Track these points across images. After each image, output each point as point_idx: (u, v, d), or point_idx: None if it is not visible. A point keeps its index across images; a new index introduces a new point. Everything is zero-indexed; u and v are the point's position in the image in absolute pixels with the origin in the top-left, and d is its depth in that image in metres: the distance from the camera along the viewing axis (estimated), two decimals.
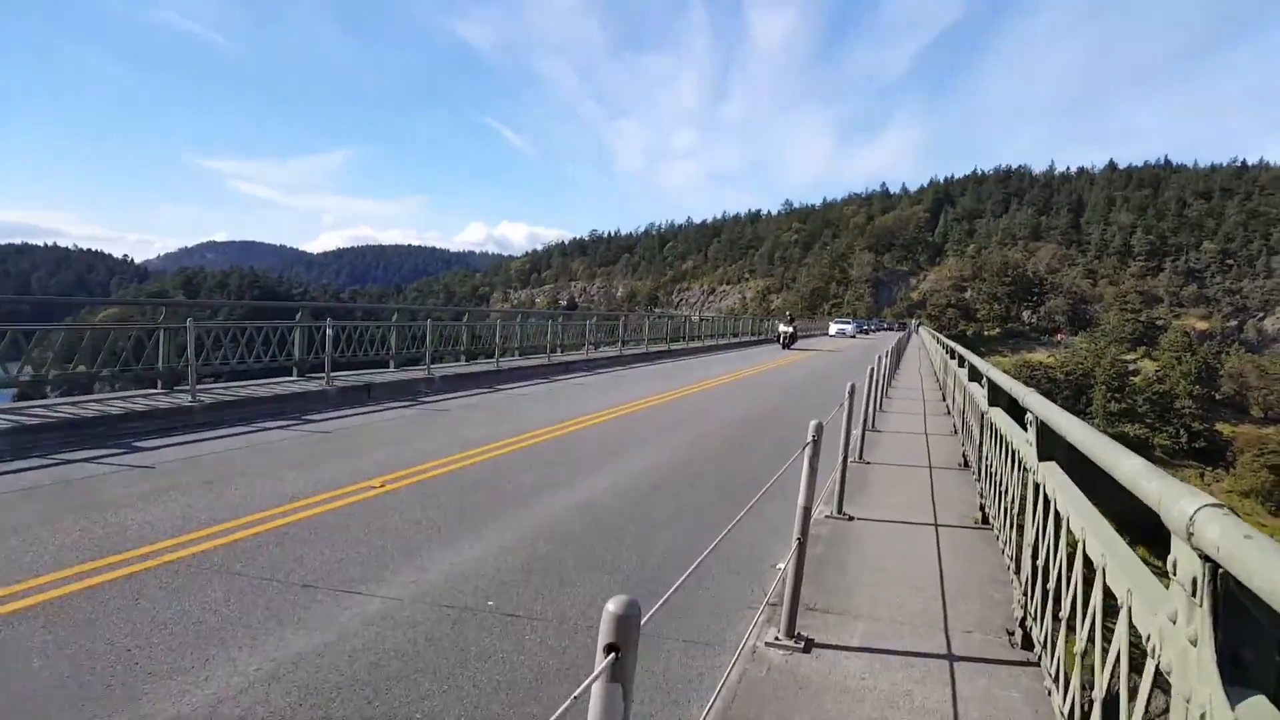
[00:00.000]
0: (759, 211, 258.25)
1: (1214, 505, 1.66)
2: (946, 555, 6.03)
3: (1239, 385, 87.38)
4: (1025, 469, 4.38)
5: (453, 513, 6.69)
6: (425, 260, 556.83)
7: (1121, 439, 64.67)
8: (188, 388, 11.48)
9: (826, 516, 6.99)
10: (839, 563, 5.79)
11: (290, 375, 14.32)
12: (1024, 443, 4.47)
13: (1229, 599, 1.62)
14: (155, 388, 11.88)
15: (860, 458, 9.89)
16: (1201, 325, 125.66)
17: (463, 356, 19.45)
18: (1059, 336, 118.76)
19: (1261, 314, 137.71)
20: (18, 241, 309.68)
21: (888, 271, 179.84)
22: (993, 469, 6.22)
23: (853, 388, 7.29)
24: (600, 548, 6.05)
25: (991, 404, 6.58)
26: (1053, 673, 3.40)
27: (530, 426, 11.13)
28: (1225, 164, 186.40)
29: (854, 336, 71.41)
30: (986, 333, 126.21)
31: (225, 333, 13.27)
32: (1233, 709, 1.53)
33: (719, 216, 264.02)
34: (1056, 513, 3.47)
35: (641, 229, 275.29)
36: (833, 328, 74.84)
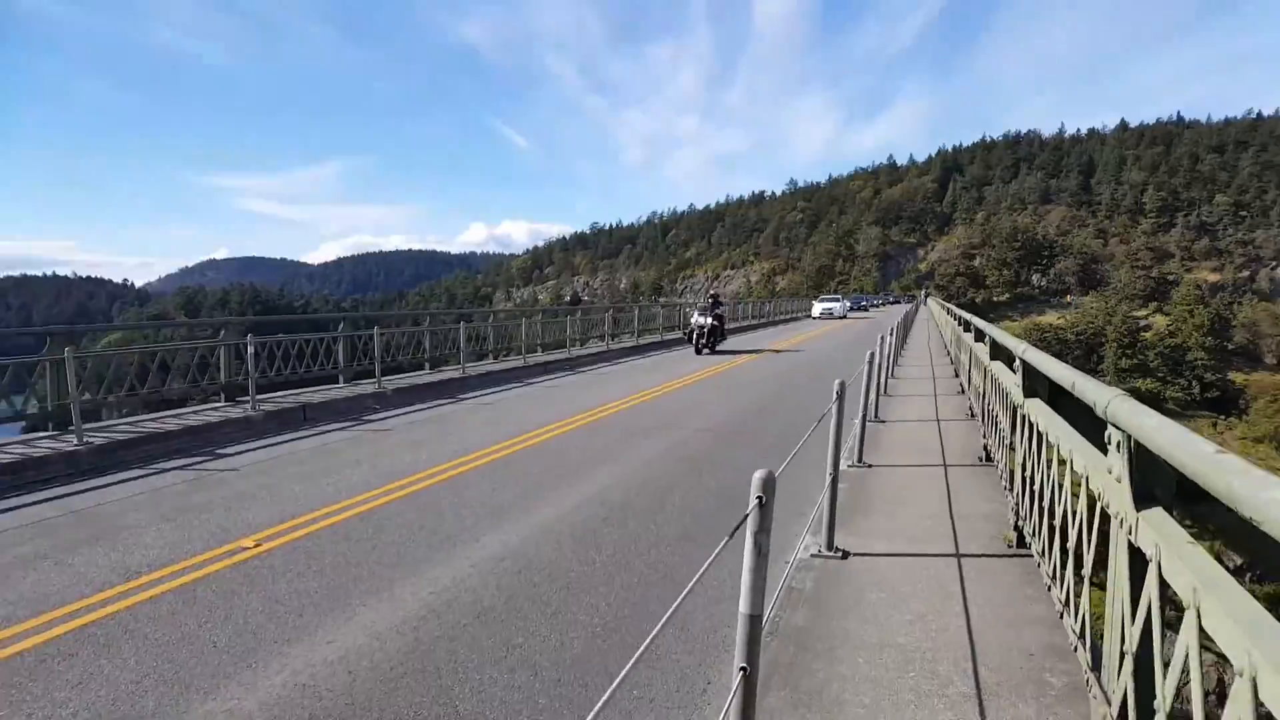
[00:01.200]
0: (763, 193, 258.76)
1: (1120, 395, 2.64)
2: (955, 487, 7.04)
3: (1252, 334, 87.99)
4: (1014, 405, 5.40)
5: (329, 582, 5.31)
6: (427, 264, 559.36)
7: (1133, 393, 65.70)
8: (248, 399, 12.56)
9: (849, 466, 8.00)
10: (864, 504, 6.79)
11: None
12: (1013, 384, 5.48)
13: (1141, 453, 2.58)
14: (220, 401, 12.99)
15: (876, 415, 10.86)
16: (1213, 278, 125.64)
17: (426, 364, 18.15)
18: (1067, 298, 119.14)
19: (1275, 263, 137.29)
20: (16, 274, 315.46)
21: (895, 245, 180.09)
22: (993, 411, 7.23)
23: (871, 355, 8.27)
24: (513, 626, 4.58)
25: (992, 358, 7.59)
26: (1038, 551, 4.39)
27: (475, 445, 9.86)
28: (1239, 117, 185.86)
29: (844, 316, 58.51)
30: (996, 299, 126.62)
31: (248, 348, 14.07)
32: (1137, 510, 2.50)
33: (722, 201, 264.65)
34: (1039, 434, 4.45)
35: (644, 219, 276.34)
36: (816, 307, 60.00)
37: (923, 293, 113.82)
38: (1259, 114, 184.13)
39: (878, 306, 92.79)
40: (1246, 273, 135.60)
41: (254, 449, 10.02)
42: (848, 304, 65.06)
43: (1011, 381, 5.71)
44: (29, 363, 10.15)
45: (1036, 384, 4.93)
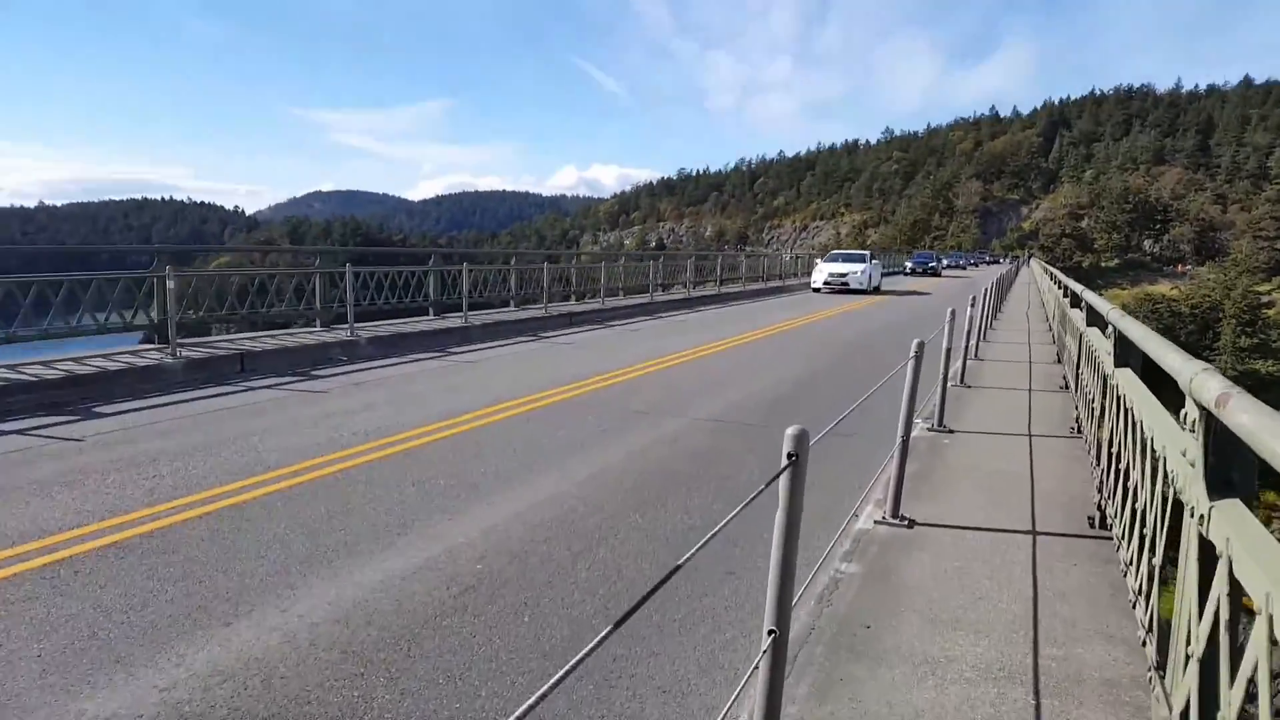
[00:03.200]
0: (856, 142, 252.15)
1: (1208, 369, 2.43)
2: (1039, 459, 6.78)
3: None
4: (1105, 374, 5.12)
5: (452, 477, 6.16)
6: (519, 204, 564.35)
7: (1252, 376, 62.21)
8: (346, 326, 13.56)
9: (929, 429, 7.78)
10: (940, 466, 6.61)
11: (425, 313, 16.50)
12: (1105, 352, 5.19)
13: (1222, 435, 2.39)
14: (316, 326, 13.88)
15: (962, 380, 10.53)
16: None
17: (511, 301, 19.25)
18: (1181, 268, 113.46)
19: None
20: (138, 197, 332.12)
21: (997, 201, 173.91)
22: (1085, 381, 6.91)
23: (953, 313, 7.95)
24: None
25: (1089, 325, 7.24)
26: (1118, 534, 4.19)
27: (515, 393, 9.57)
28: None
29: (876, 289, 33.91)
30: (1104, 264, 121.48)
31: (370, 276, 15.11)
32: (1210, 499, 2.32)
33: (813, 149, 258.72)
34: (1125, 407, 4.21)
35: (731, 166, 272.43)
36: (818, 275, 33.28)
37: (1025, 253, 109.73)
38: None
39: (968, 267, 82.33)
40: None
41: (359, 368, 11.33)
42: (877, 268, 35.23)
43: (1104, 349, 5.42)
44: (137, 278, 11.11)
45: (1129, 354, 4.67)
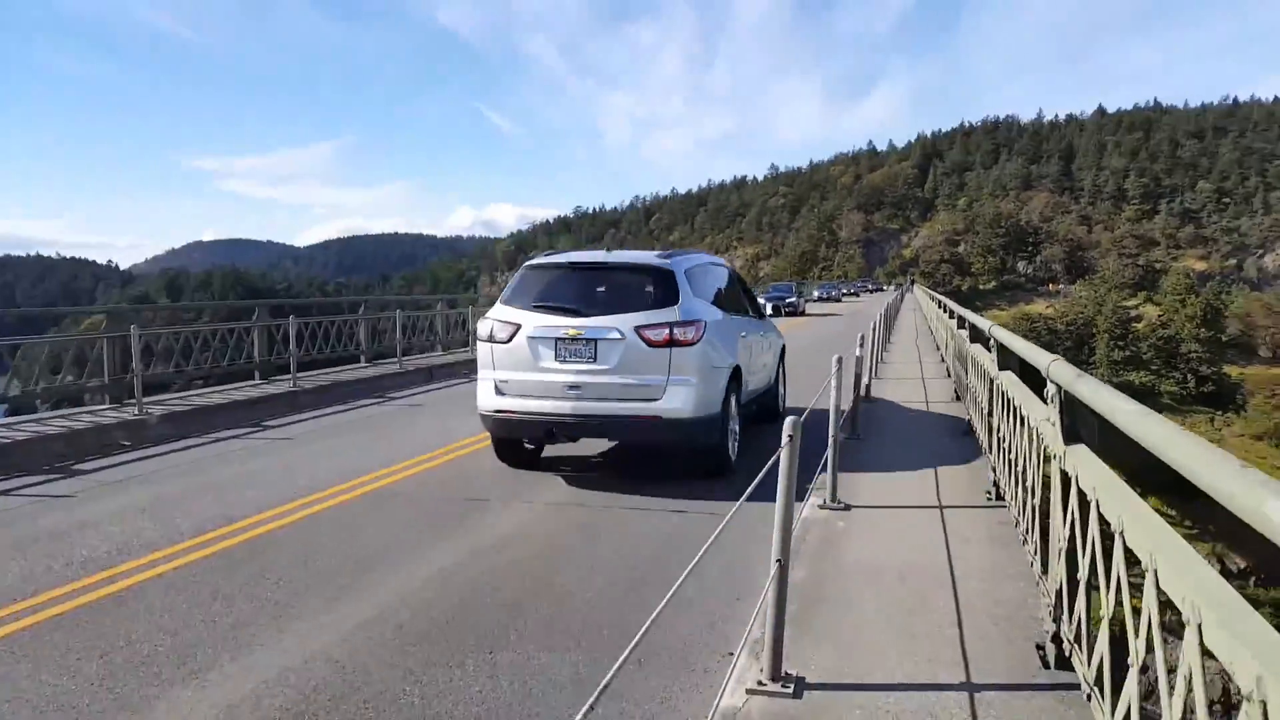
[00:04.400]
0: (745, 177, 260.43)
1: (1058, 359, 3.63)
2: (942, 456, 8.07)
3: (1246, 326, 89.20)
4: (991, 378, 6.46)
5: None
6: (413, 247, 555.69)
7: (1127, 387, 66.51)
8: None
9: (844, 438, 8.98)
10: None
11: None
12: (989, 360, 6.57)
13: (1070, 402, 3.57)
14: (254, 379, 13.93)
15: (867, 395, 11.88)
16: (1200, 266, 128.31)
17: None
18: (1053, 287, 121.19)
19: (1261, 251, 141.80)
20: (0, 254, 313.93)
21: (878, 230, 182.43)
22: (973, 387, 8.29)
23: (861, 337, 9.22)
24: None
25: (972, 341, 8.66)
26: (1010, 498, 5.44)
27: (328, 480, 7.83)
28: (1217, 103, 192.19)
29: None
30: (982, 286, 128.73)
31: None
32: (1065, 445, 3.49)
33: (704, 185, 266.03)
34: (1007, 399, 5.49)
35: (627, 202, 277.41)
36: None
37: (908, 279, 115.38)
38: (1235, 99, 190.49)
39: (844, 297, 78.81)
40: (1233, 261, 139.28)
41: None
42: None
43: (987, 359, 6.75)
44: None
45: (1009, 360, 5.96)
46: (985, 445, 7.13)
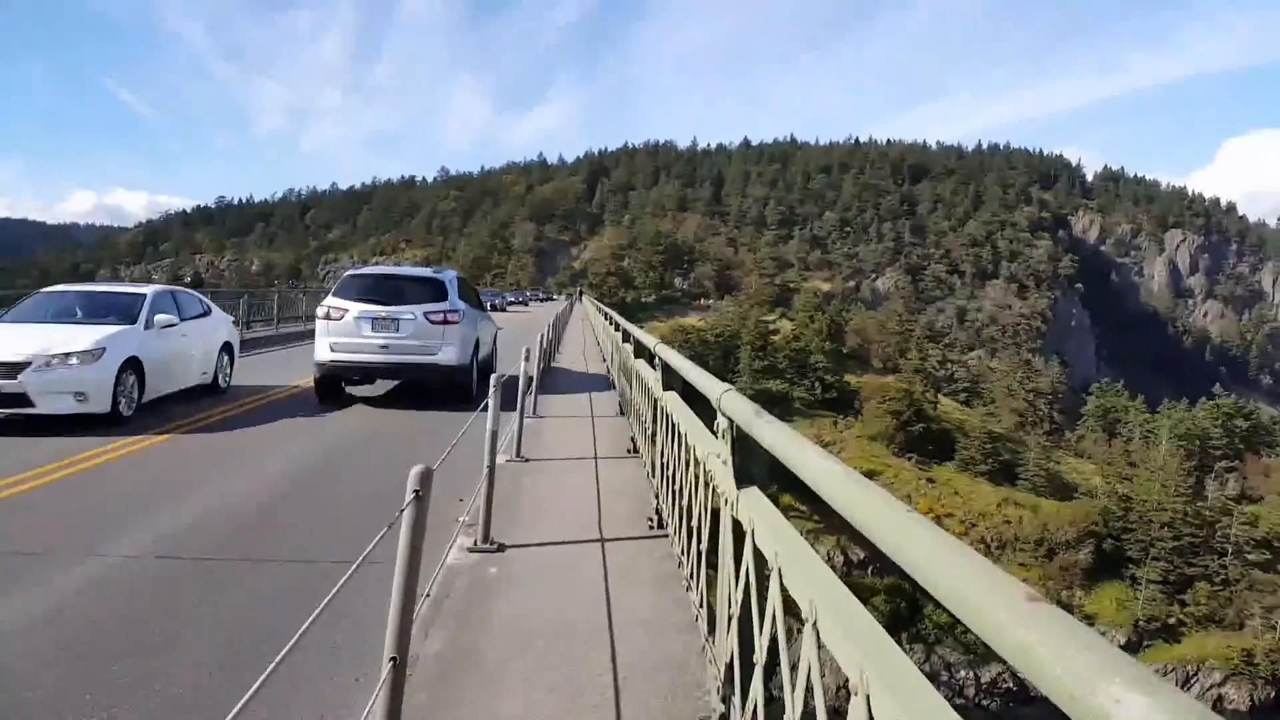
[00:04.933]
0: (414, 178, 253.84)
1: (730, 390, 3.24)
2: (605, 477, 7.74)
3: (862, 339, 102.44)
4: (655, 398, 6.16)
5: None
6: (17, 234, 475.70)
7: (765, 394, 73.59)
8: None
9: (508, 460, 8.41)
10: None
11: None
12: (653, 379, 6.25)
13: (740, 437, 3.19)
14: None
15: (534, 412, 11.44)
16: (826, 286, 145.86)
17: None
18: (705, 302, 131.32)
19: (875, 275, 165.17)
20: None
21: (550, 241, 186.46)
22: (638, 405, 8.07)
23: (528, 350, 8.72)
24: None
25: (636, 356, 8.46)
26: (674, 530, 5.10)
27: None
28: (841, 141, 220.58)
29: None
30: (644, 299, 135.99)
31: None
32: (738, 490, 3.10)
33: (369, 182, 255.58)
34: (673, 424, 5.16)
35: (279, 195, 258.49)
36: None
37: (578, 290, 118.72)
38: (857, 140, 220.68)
39: (520, 304, 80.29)
40: (853, 283, 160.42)
41: None
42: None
43: (652, 377, 6.47)
44: None
45: (673, 379, 5.69)
46: (648, 467, 6.88)
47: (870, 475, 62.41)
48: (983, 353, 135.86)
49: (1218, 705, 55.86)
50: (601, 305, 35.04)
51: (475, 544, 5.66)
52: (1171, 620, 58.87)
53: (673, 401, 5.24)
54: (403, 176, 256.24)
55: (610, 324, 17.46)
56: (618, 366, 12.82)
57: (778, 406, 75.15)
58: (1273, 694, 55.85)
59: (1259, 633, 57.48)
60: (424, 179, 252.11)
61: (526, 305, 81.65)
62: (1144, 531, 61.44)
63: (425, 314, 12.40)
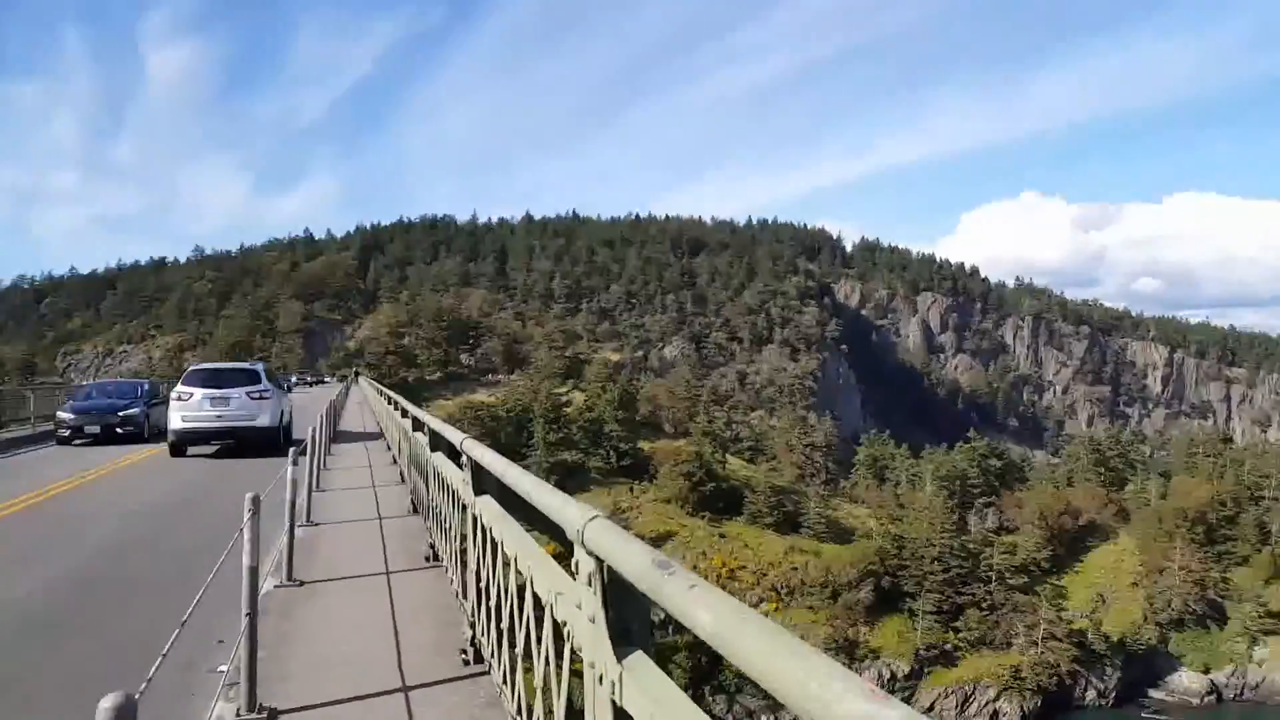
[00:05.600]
0: (165, 260, 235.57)
1: (598, 516, 2.33)
2: (401, 598, 6.55)
3: (654, 406, 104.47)
4: (464, 503, 5.11)
5: None
6: None
7: (561, 466, 73.21)
8: None
9: (277, 586, 7.02)
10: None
11: None
12: (460, 481, 5.20)
13: (616, 585, 2.28)
14: None
15: (309, 519, 9.97)
16: (615, 356, 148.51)
17: None
18: (494, 377, 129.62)
19: (662, 344, 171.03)
20: None
21: (319, 321, 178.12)
22: (439, 507, 6.93)
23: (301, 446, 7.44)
24: None
25: (433, 449, 7.33)
26: (501, 673, 4.07)
27: None
28: (623, 217, 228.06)
29: None
30: (429, 378, 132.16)
31: None
32: (619, 662, 2.19)
33: (113, 266, 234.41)
34: (493, 540, 4.16)
35: (7, 282, 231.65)
36: None
37: (353, 372, 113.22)
38: (638, 215, 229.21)
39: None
40: (641, 352, 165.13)
41: None
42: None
43: (458, 477, 5.43)
44: None
45: (486, 481, 4.70)
46: (457, 586, 5.81)
47: (666, 536, 64.05)
48: (764, 412, 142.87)
49: None
50: (382, 387, 33.04)
51: (239, 713, 4.37)
52: (948, 646, 63.45)
53: (490, 512, 4.24)
54: (151, 258, 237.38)
55: (396, 409, 15.94)
56: (407, 458, 11.49)
57: (574, 478, 74.93)
58: (1039, 703, 61.31)
59: (1024, 649, 62.85)
60: (176, 259, 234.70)
61: (289, 392, 75.55)
62: (917, 566, 66.16)
63: (246, 393, 18.89)
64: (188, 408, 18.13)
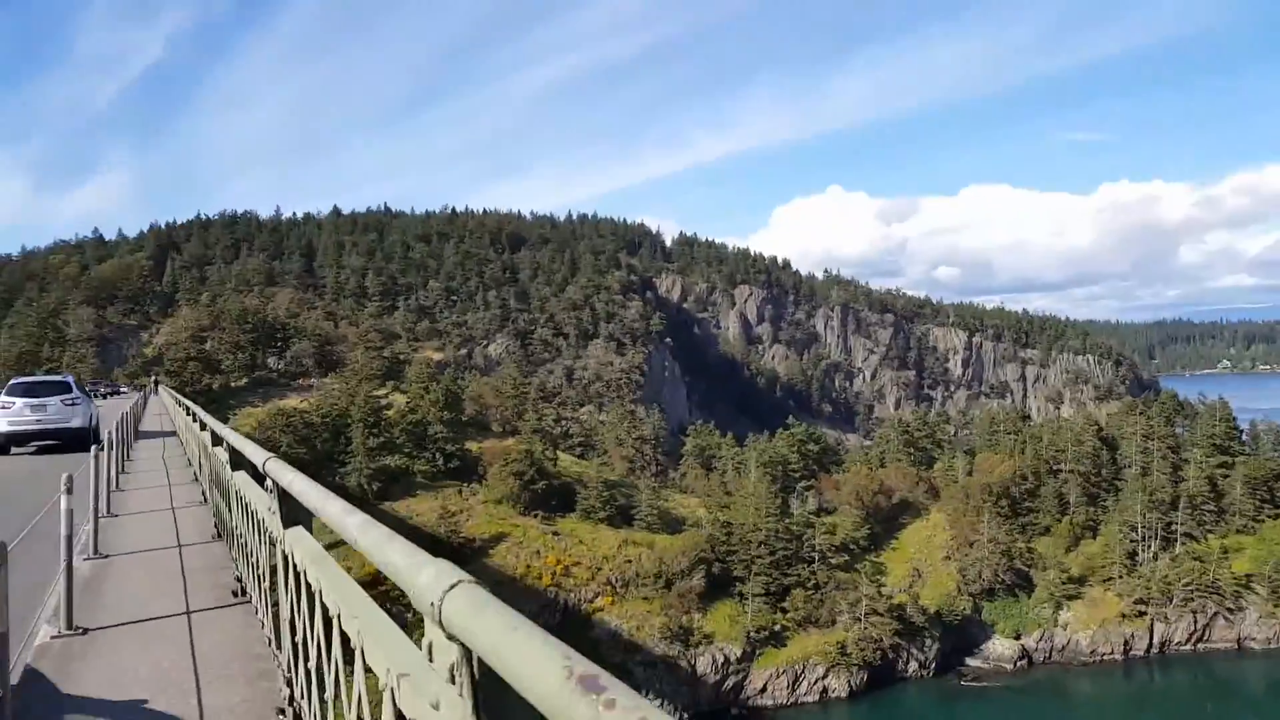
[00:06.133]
0: None
1: (470, 583, 1.59)
2: (204, 648, 5.54)
3: (480, 405, 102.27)
4: (272, 538, 4.19)
5: None
6: None
7: (384, 471, 70.13)
8: None
9: (55, 636, 5.85)
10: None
11: None
12: (267, 510, 4.28)
13: (494, 690, 1.58)
14: None
15: (96, 550, 8.61)
16: (438, 356, 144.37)
17: None
18: (305, 381, 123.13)
19: (486, 341, 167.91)
20: None
21: (114, 327, 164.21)
22: (243, 537, 5.92)
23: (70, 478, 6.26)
24: None
25: (234, 468, 6.29)
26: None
27: None
28: (439, 211, 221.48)
29: None
30: (234, 384, 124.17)
31: None
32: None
33: None
34: (308, 585, 3.34)
35: None
36: None
37: (153, 381, 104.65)
38: (454, 210, 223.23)
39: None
40: (464, 350, 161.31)
41: None
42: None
43: (264, 504, 4.51)
44: None
45: (298, 512, 3.85)
46: (270, 633, 4.88)
47: (499, 537, 62.73)
48: (592, 407, 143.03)
49: (824, 697, 63.61)
50: (181, 397, 30.35)
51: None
52: (777, 627, 65.83)
53: (303, 549, 3.36)
54: None
55: (195, 421, 14.31)
56: (208, 477, 10.18)
57: (399, 483, 72.12)
58: (865, 677, 64.55)
59: (848, 626, 65.96)
60: None
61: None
62: (745, 551, 68.24)
63: (61, 400, 22.99)
64: (11, 414, 22.25)
